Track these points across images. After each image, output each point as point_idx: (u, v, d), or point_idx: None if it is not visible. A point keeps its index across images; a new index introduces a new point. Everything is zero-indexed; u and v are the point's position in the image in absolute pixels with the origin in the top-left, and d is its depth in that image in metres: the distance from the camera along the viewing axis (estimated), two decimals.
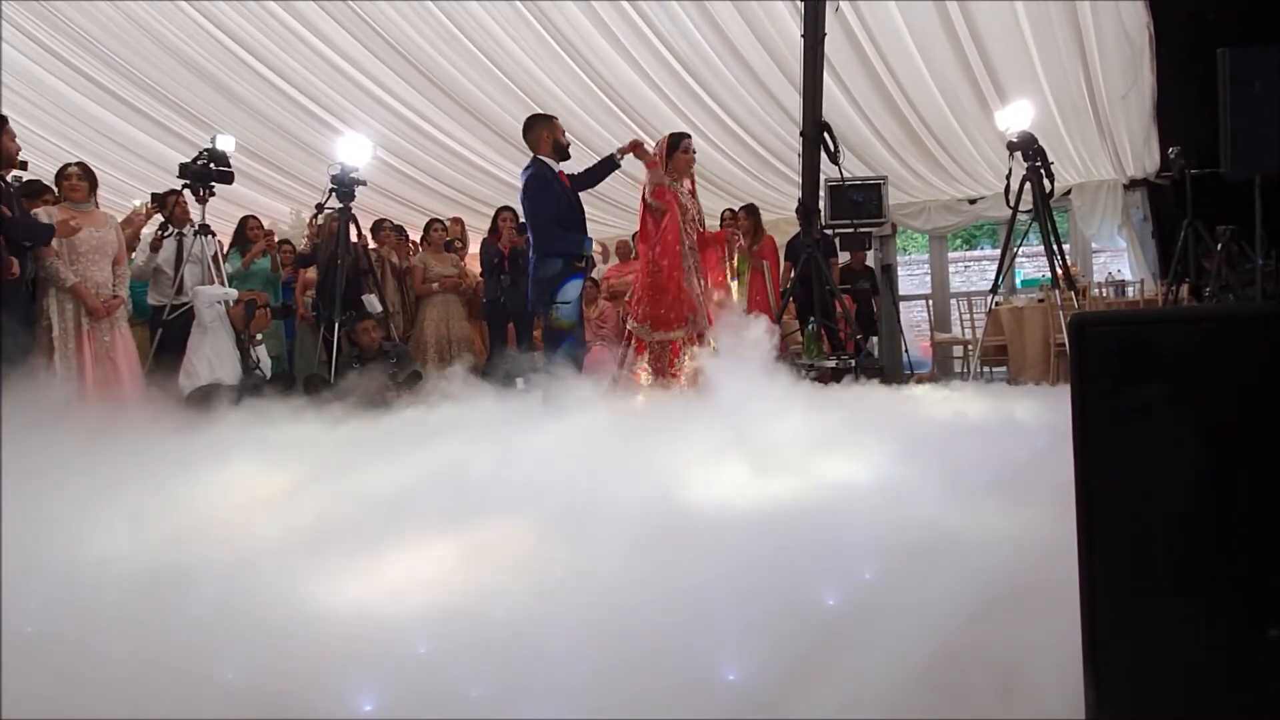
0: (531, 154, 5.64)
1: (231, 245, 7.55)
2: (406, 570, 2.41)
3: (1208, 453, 1.13)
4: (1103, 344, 1.17)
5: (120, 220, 6.29)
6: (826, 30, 6.69)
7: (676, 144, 5.82)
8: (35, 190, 6.11)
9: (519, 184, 5.61)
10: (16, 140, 5.32)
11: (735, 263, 8.53)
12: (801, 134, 6.76)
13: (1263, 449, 1.09)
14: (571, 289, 5.45)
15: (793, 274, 7.71)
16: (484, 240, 8.17)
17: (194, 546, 2.61)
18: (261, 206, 9.99)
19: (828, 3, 6.56)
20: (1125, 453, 1.17)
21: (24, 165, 5.45)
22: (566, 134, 5.77)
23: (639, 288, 5.77)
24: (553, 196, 5.48)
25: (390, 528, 2.72)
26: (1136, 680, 1.18)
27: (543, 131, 5.56)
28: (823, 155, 6.75)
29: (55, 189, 5.94)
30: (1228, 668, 1.12)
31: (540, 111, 6.33)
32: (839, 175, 7.20)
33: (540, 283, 5.48)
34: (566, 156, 5.67)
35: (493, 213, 8.29)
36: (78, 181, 5.68)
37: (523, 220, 7.96)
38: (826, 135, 6.63)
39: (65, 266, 5.43)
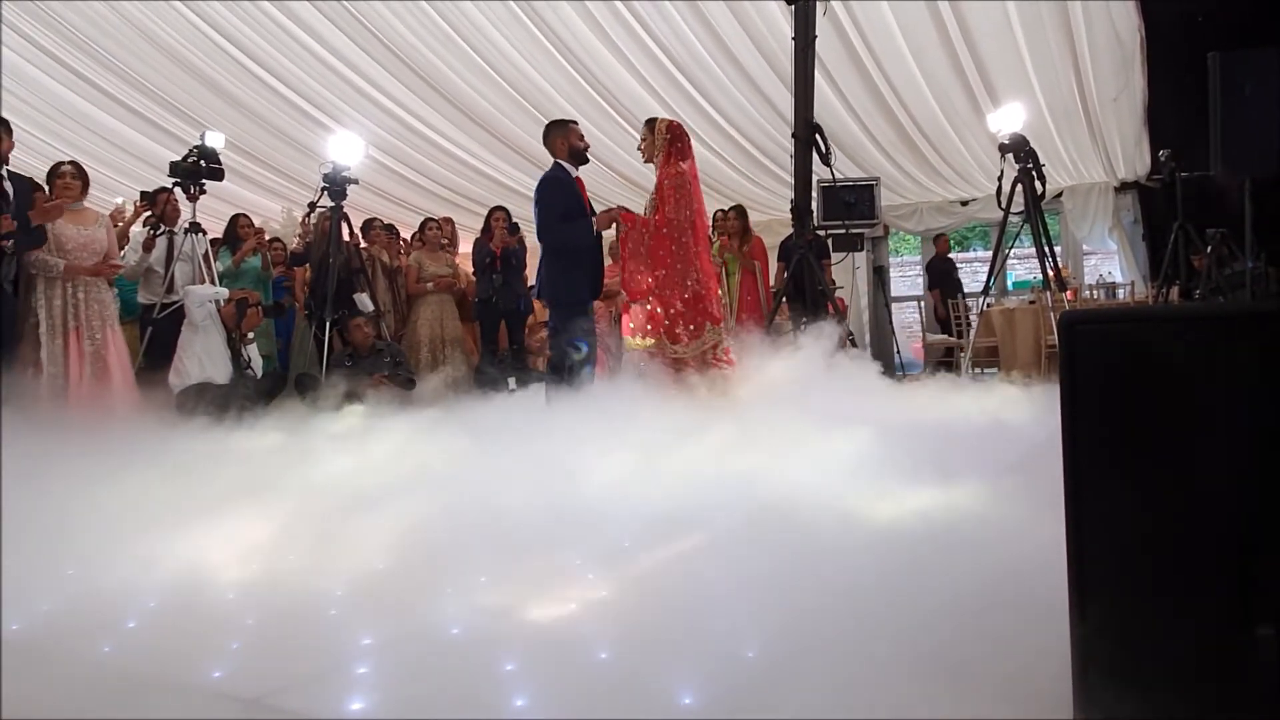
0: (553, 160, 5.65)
1: (222, 244, 7.53)
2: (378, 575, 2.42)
3: (1197, 451, 1.13)
4: (1093, 342, 1.17)
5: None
6: (818, 32, 6.67)
7: None
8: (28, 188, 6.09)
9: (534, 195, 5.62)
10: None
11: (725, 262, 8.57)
12: (793, 135, 6.76)
13: (1253, 447, 1.09)
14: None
15: (785, 274, 7.70)
16: (476, 240, 8.16)
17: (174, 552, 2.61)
18: (253, 205, 9.96)
19: (818, 5, 6.55)
20: (1115, 450, 1.18)
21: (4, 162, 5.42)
22: (584, 139, 5.75)
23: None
24: (562, 195, 5.50)
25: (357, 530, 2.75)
26: (1125, 678, 1.18)
27: (558, 138, 5.58)
28: (814, 156, 6.74)
29: (46, 187, 5.90)
30: (1216, 666, 1.12)
31: (559, 117, 6.22)
32: (830, 177, 7.21)
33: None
34: (584, 161, 5.69)
35: (485, 212, 8.27)
36: (71, 180, 5.65)
37: (515, 221, 8.00)
38: (818, 137, 6.63)
39: (51, 255, 5.40)
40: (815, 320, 6.38)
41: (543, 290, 5.63)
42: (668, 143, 5.56)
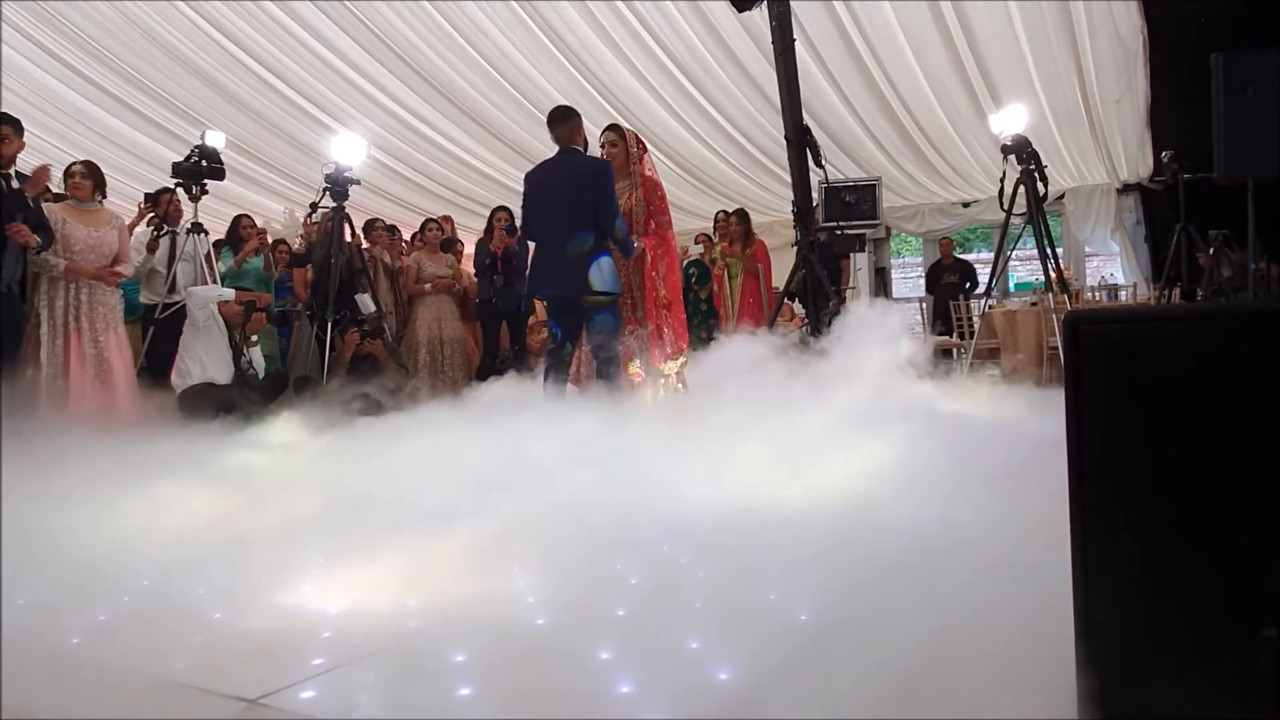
0: (560, 146, 5.33)
1: (224, 244, 7.52)
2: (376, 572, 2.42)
3: (1201, 451, 1.13)
4: (1097, 342, 1.17)
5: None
6: (819, 33, 6.67)
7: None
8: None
9: (592, 170, 5.21)
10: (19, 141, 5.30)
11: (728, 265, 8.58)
12: (785, 138, 6.77)
13: (1256, 447, 1.09)
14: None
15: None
16: (478, 240, 8.14)
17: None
18: (255, 205, 9.96)
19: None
20: (1119, 450, 1.17)
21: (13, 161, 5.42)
22: None
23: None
24: None
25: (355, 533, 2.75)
26: (1129, 680, 1.18)
27: (578, 126, 5.37)
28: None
29: (60, 187, 5.92)
30: (1220, 667, 1.12)
31: (563, 106, 5.96)
32: (824, 177, 7.22)
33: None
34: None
35: (488, 213, 8.25)
36: (81, 180, 5.63)
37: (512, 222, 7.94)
38: (808, 138, 6.63)
39: (54, 255, 5.39)
40: (816, 319, 6.37)
41: (611, 283, 5.15)
42: (642, 153, 5.57)
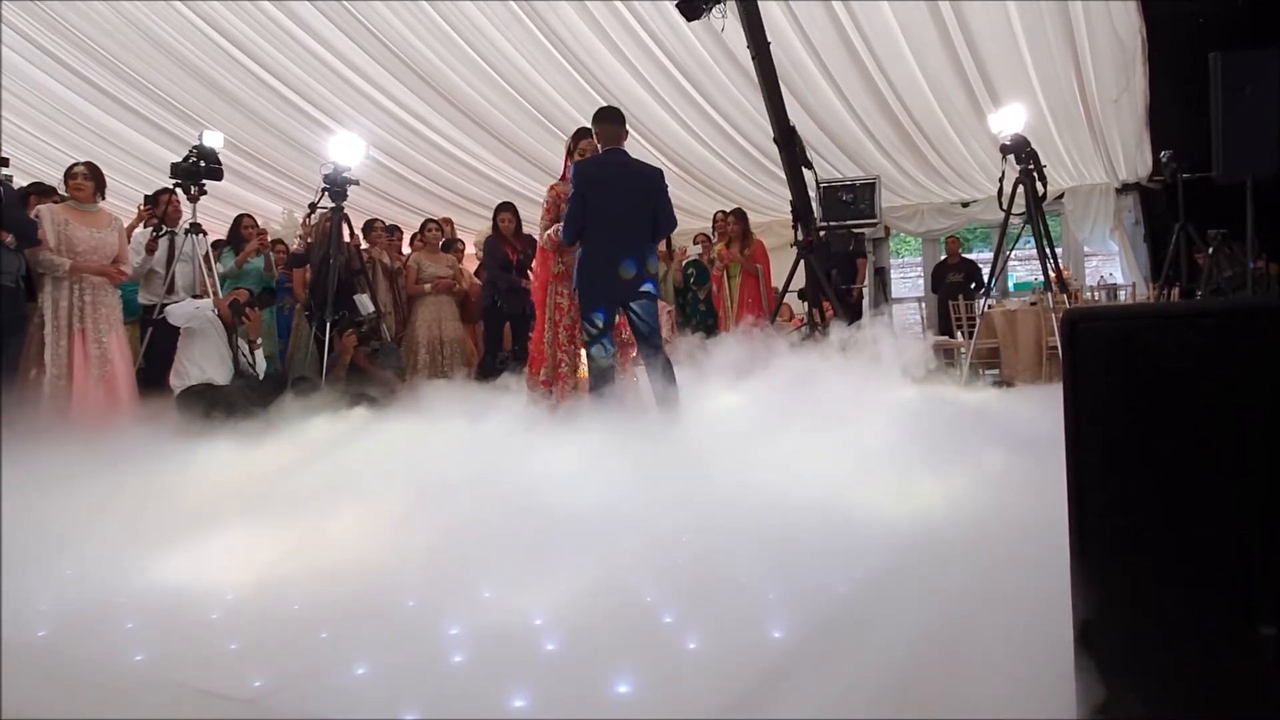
0: (607, 146, 5.31)
1: (225, 244, 7.52)
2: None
3: (1200, 448, 1.13)
4: (1096, 339, 1.17)
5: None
6: (816, 32, 6.65)
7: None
8: (41, 191, 6.11)
9: (655, 178, 5.31)
10: None
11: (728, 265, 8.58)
12: (774, 140, 6.77)
13: (1255, 444, 1.08)
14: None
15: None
16: (488, 239, 7.97)
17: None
18: (254, 206, 9.95)
19: (714, 15, 6.50)
20: (1118, 448, 1.17)
21: (5, 162, 5.41)
22: None
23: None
24: None
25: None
26: (1128, 678, 1.18)
27: (625, 129, 5.39)
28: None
29: (62, 188, 5.91)
30: (1220, 665, 1.12)
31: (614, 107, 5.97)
32: (815, 178, 7.22)
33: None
34: None
35: (487, 213, 8.22)
36: (83, 181, 5.64)
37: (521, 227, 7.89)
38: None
39: (59, 255, 5.39)
40: (821, 320, 6.38)
41: (653, 283, 5.29)
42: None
